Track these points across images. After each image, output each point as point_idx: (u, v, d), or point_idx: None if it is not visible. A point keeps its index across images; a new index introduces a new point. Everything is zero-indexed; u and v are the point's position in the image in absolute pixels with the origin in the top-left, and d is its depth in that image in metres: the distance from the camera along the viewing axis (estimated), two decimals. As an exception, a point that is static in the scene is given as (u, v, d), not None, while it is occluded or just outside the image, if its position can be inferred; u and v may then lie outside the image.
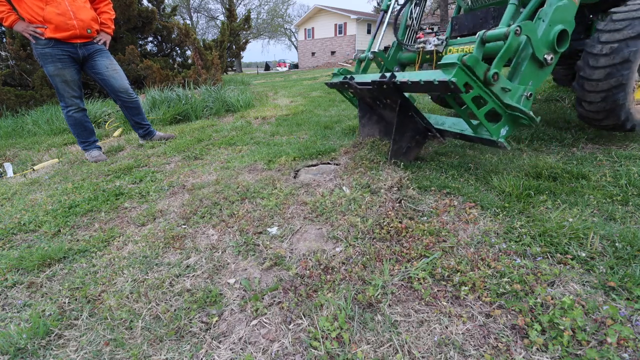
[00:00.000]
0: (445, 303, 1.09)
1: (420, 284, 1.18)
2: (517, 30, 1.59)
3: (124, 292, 1.25)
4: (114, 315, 1.15)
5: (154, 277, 1.33)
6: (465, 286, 1.14)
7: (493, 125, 1.73)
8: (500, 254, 1.28)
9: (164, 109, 4.89)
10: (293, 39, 44.06)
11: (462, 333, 0.98)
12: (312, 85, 9.03)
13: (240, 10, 33.77)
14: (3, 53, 6.67)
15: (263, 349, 1.00)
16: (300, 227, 1.62)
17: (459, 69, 1.53)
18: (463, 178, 1.97)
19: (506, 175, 1.88)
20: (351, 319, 1.06)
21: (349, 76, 2.24)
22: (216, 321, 1.11)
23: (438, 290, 1.15)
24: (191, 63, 8.47)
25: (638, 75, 2.08)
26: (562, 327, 0.93)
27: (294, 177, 2.26)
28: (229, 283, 1.28)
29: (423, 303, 1.11)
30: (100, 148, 3.22)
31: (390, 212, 1.63)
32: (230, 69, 21.95)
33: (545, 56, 1.73)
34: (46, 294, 1.30)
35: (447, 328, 1.00)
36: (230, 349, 1.00)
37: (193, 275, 1.33)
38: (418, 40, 2.39)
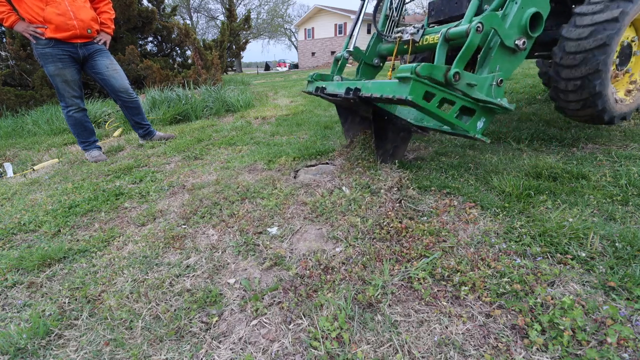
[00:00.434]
0: (445, 303, 1.09)
1: (420, 284, 1.18)
2: (478, 27, 1.54)
3: (124, 292, 1.25)
4: (114, 315, 1.15)
5: (154, 277, 1.33)
6: (465, 286, 1.14)
7: (468, 120, 1.70)
8: (500, 254, 1.28)
9: (164, 109, 4.89)
10: (293, 39, 44.07)
11: (462, 333, 0.98)
12: (312, 85, 9.01)
13: (240, 10, 33.78)
14: (3, 53, 6.67)
15: (263, 349, 1.00)
16: (300, 227, 1.62)
17: (414, 83, 1.47)
18: (463, 178, 1.97)
19: (506, 175, 1.88)
20: (351, 319, 1.06)
21: (320, 86, 2.19)
22: (216, 321, 1.11)
23: (438, 290, 1.15)
24: (191, 63, 8.48)
25: (617, 66, 2.02)
26: (562, 327, 0.93)
27: (294, 177, 2.26)
28: (229, 283, 1.28)
29: (423, 303, 1.11)
30: (100, 148, 3.22)
31: (390, 212, 1.63)
32: (230, 69, 21.96)
33: (517, 42, 1.67)
34: (46, 294, 1.30)
35: (447, 328, 1.00)
36: (230, 349, 1.00)
37: (193, 275, 1.33)
38: (395, 30, 2.35)
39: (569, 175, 1.84)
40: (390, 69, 2.50)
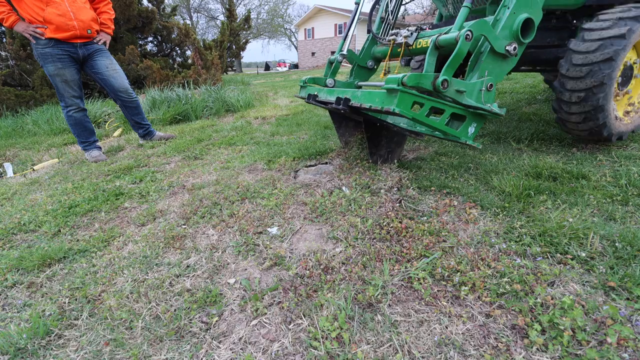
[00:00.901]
0: (445, 303, 1.09)
1: (420, 284, 1.18)
2: (467, 35, 1.54)
3: (124, 292, 1.25)
4: (114, 315, 1.15)
5: (154, 277, 1.33)
6: (465, 286, 1.14)
7: (459, 127, 1.70)
8: (500, 254, 1.28)
9: (164, 109, 4.89)
10: (293, 39, 44.07)
11: (462, 333, 0.98)
12: (312, 85, 9.01)
13: (240, 10, 33.78)
14: (3, 53, 6.67)
15: (263, 349, 1.00)
16: (300, 227, 1.62)
17: (401, 94, 1.47)
18: (463, 178, 1.97)
19: (506, 175, 1.88)
20: (351, 319, 1.06)
21: (312, 93, 2.20)
22: (216, 321, 1.11)
23: (438, 290, 1.15)
24: (191, 63, 8.47)
25: (619, 85, 2.06)
26: (562, 327, 0.93)
27: (294, 177, 2.26)
28: (229, 283, 1.28)
29: (423, 303, 1.11)
30: (100, 148, 3.22)
31: (390, 212, 1.63)
32: (230, 69, 21.97)
33: (508, 47, 1.67)
34: (46, 294, 1.30)
35: (447, 328, 1.00)
36: (230, 349, 1.00)
37: (193, 275, 1.33)
38: (390, 32, 2.35)
39: (569, 175, 1.84)
40: (383, 71, 2.51)
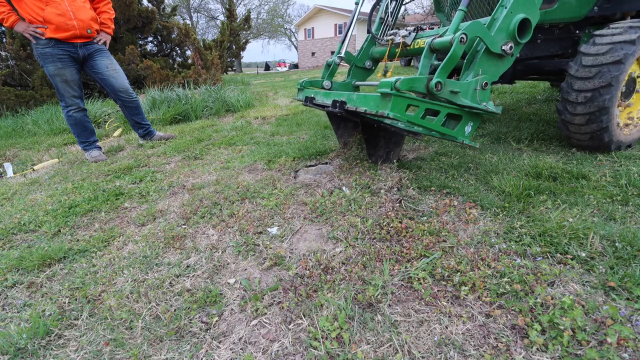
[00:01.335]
0: (445, 303, 1.09)
1: (420, 284, 1.18)
2: (462, 38, 1.54)
3: (124, 292, 1.25)
4: (114, 315, 1.15)
5: (154, 277, 1.33)
6: (465, 286, 1.14)
7: (455, 126, 1.71)
8: (500, 254, 1.28)
9: (164, 109, 4.88)
10: (293, 39, 44.07)
11: (462, 333, 0.98)
12: (312, 85, 9.01)
13: (240, 10, 33.77)
14: (3, 53, 6.67)
15: (263, 349, 1.00)
16: (300, 227, 1.62)
17: (395, 98, 1.47)
18: (463, 178, 1.97)
19: (506, 175, 1.88)
20: (351, 319, 1.06)
21: (310, 95, 2.21)
22: (216, 321, 1.11)
23: (438, 290, 1.15)
24: (191, 63, 8.47)
25: (622, 95, 2.09)
26: (562, 327, 0.93)
27: (294, 177, 2.26)
28: (229, 283, 1.28)
29: (423, 303, 1.11)
30: (100, 148, 3.22)
31: (390, 212, 1.63)
32: (230, 69, 21.97)
33: (504, 47, 1.68)
34: (46, 294, 1.30)
35: (447, 328, 1.00)
36: (230, 349, 1.00)
37: (193, 275, 1.33)
38: (388, 32, 2.36)
39: (569, 175, 1.84)
40: (380, 72, 2.51)
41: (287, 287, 1.23)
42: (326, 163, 2.45)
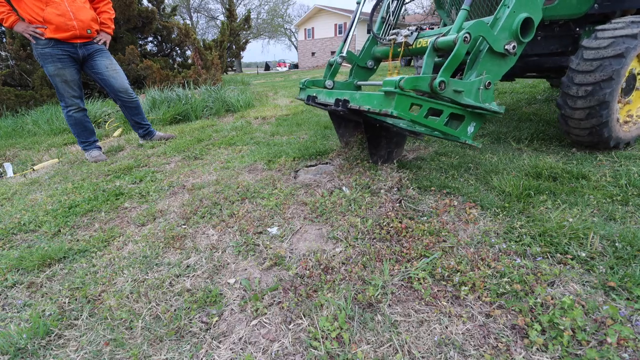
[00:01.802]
0: (445, 303, 1.09)
1: (420, 284, 1.18)
2: (465, 37, 1.54)
3: (124, 292, 1.25)
4: (114, 315, 1.15)
5: (154, 277, 1.33)
6: (465, 286, 1.14)
7: (458, 126, 1.71)
8: (500, 254, 1.28)
9: (164, 109, 4.88)
10: (293, 39, 44.06)
11: (462, 333, 0.98)
12: (312, 85, 9.00)
13: (240, 10, 33.78)
14: (3, 53, 6.67)
15: (263, 349, 1.00)
16: (300, 227, 1.62)
17: (399, 97, 1.47)
18: (463, 178, 1.97)
19: (506, 175, 1.88)
20: (351, 319, 1.06)
21: (312, 94, 2.22)
22: (216, 321, 1.11)
23: (438, 290, 1.15)
24: (191, 63, 8.47)
25: (623, 91, 2.09)
26: (562, 327, 0.93)
27: (294, 177, 2.26)
28: (229, 283, 1.28)
29: (423, 303, 1.11)
30: (100, 148, 3.22)
31: (390, 212, 1.63)
32: (230, 69, 21.97)
33: (507, 46, 1.68)
34: (46, 294, 1.30)
35: (447, 328, 1.00)
36: (230, 349, 1.00)
37: (193, 275, 1.33)
38: (390, 32, 2.36)
39: (569, 175, 1.84)
40: (389, 72, 2.51)
41: (287, 287, 1.23)
42: (326, 163, 2.45)
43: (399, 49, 2.21)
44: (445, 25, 2.98)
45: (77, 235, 1.73)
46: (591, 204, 1.55)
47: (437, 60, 2.47)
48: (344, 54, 2.41)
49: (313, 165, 2.44)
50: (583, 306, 1.01)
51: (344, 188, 1.94)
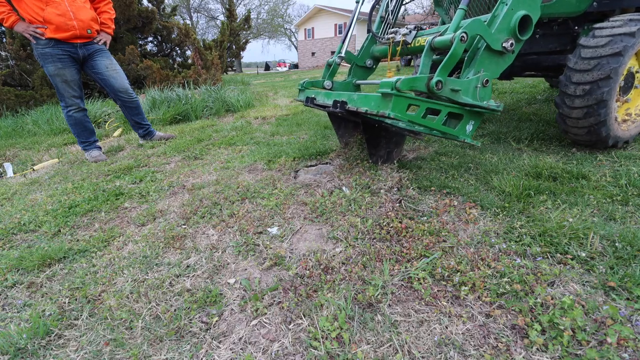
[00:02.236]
0: (445, 303, 1.09)
1: (420, 284, 1.18)
2: (462, 37, 1.54)
3: (124, 292, 1.25)
4: (114, 315, 1.15)
5: (154, 277, 1.33)
6: (465, 286, 1.14)
7: (456, 125, 1.71)
8: (500, 254, 1.28)
9: (164, 109, 4.88)
10: (293, 39, 44.06)
11: (462, 333, 0.98)
12: (312, 85, 9.00)
13: (240, 10, 33.78)
14: (3, 53, 6.67)
15: (263, 349, 1.00)
16: (300, 227, 1.62)
17: (395, 98, 1.48)
18: (463, 178, 1.97)
19: (506, 175, 1.88)
20: (351, 319, 1.06)
21: (311, 96, 2.22)
22: (216, 321, 1.11)
23: (438, 290, 1.15)
24: (191, 63, 8.47)
25: (621, 89, 2.09)
26: (562, 327, 0.93)
27: (294, 177, 2.26)
28: (229, 283, 1.28)
29: (423, 303, 1.11)
30: (100, 148, 3.22)
31: (390, 212, 1.63)
32: (230, 69, 21.97)
33: (504, 44, 1.68)
34: (46, 294, 1.30)
35: (447, 328, 1.00)
36: (230, 349, 1.00)
37: (193, 275, 1.33)
38: (389, 31, 2.36)
39: (569, 175, 1.84)
40: (388, 70, 2.51)
41: (287, 287, 1.23)
42: (326, 163, 2.45)
43: (397, 48, 2.22)
44: (444, 23, 2.98)
45: (77, 235, 1.73)
46: (591, 204, 1.55)
47: (436, 58, 2.47)
48: (343, 54, 2.41)
49: (313, 165, 2.44)
50: (583, 306, 1.01)
51: (344, 188, 1.94)
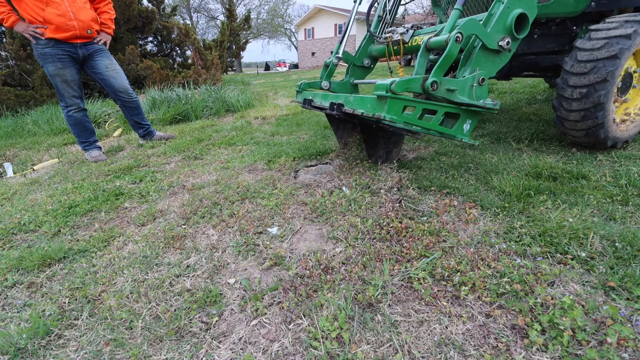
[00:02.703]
0: (445, 303, 1.09)
1: (420, 284, 1.18)
2: (457, 37, 1.54)
3: (124, 292, 1.25)
4: (114, 315, 1.15)
5: (154, 277, 1.33)
6: (465, 286, 1.14)
7: (453, 125, 1.71)
8: (500, 254, 1.28)
9: (164, 109, 4.89)
10: (293, 39, 44.06)
11: (462, 333, 0.98)
12: (312, 85, 8.99)
13: (240, 10, 33.78)
14: (3, 53, 6.67)
15: (263, 349, 1.00)
16: (300, 227, 1.62)
17: (391, 101, 1.48)
18: (463, 178, 1.97)
19: (506, 175, 1.88)
20: (351, 319, 1.06)
21: (308, 98, 2.22)
22: (216, 321, 1.11)
23: (438, 290, 1.15)
24: (191, 63, 8.47)
25: (619, 90, 2.08)
26: (562, 327, 0.93)
27: (294, 177, 2.26)
28: (229, 283, 1.28)
29: (423, 303, 1.11)
30: (100, 148, 3.22)
31: (390, 212, 1.63)
32: (230, 69, 21.97)
33: (501, 42, 1.67)
34: (46, 294, 1.30)
35: (447, 328, 1.00)
36: (230, 349, 1.00)
37: (193, 275, 1.33)
38: (386, 30, 2.35)
39: (569, 175, 1.84)
40: (398, 68, 2.52)
41: (287, 287, 1.23)
42: (326, 163, 2.45)
43: (395, 47, 2.22)
44: (441, 22, 2.98)
45: (77, 235, 1.73)
46: (591, 204, 1.55)
47: (434, 58, 2.47)
48: (340, 55, 2.41)
49: (313, 165, 2.44)
50: (583, 306, 1.01)
51: (344, 188, 1.94)
